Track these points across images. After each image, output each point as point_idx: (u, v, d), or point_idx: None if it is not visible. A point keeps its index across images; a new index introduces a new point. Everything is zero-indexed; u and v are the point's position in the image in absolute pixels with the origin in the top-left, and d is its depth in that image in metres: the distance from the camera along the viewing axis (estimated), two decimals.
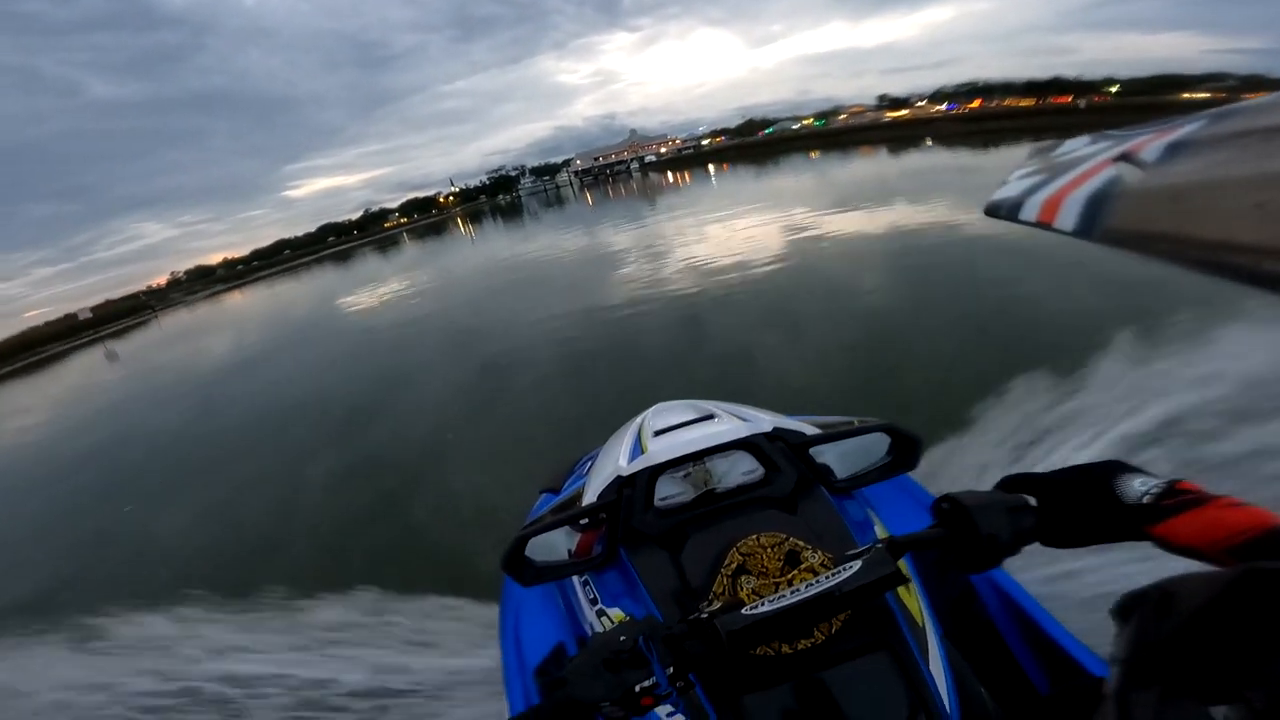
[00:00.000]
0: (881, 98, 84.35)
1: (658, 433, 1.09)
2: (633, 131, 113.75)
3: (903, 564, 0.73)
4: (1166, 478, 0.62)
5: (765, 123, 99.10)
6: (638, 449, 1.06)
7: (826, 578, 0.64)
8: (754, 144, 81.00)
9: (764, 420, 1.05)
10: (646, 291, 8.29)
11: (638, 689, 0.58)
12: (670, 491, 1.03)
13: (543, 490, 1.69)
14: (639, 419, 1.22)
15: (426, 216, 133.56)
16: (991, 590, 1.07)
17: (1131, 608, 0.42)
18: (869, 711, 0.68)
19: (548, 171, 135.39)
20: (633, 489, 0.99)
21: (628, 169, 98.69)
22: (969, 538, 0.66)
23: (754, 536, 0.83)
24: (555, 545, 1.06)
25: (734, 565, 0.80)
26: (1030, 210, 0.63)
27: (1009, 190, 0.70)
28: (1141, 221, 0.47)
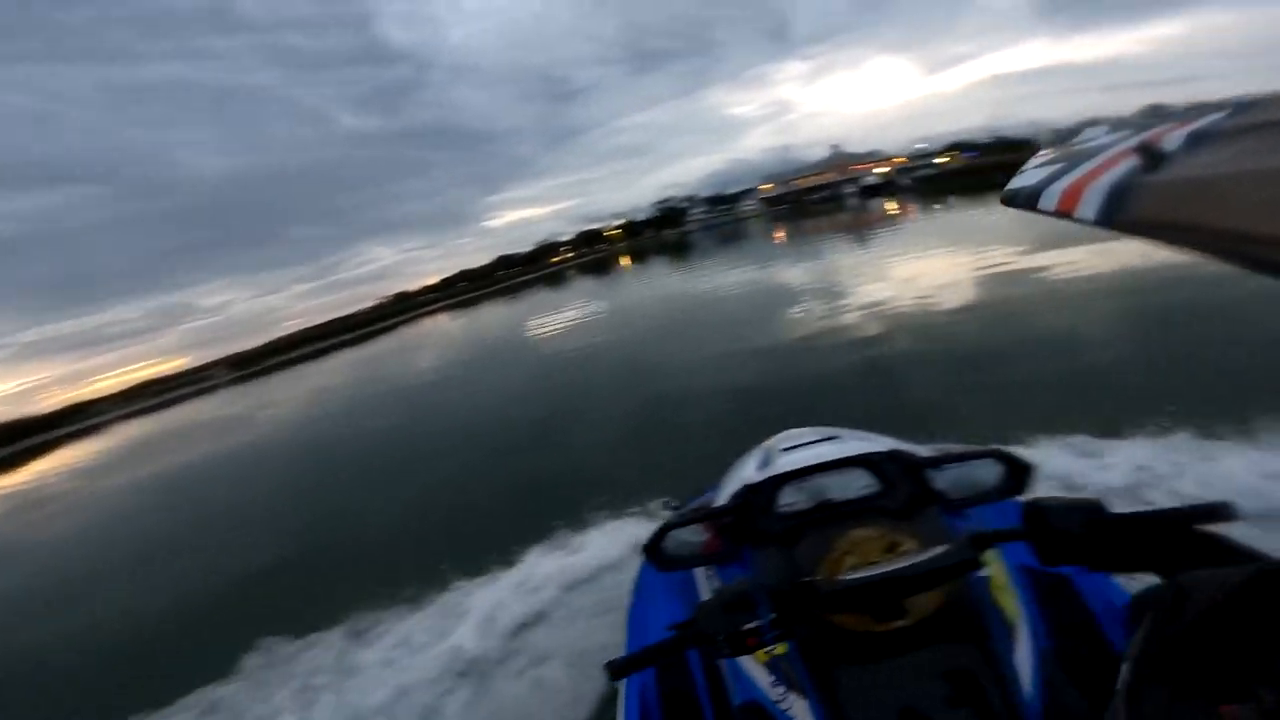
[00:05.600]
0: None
1: (784, 449, 1.28)
2: (834, 148, 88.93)
3: (998, 563, 0.91)
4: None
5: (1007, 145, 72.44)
6: (766, 463, 1.24)
7: (912, 556, 0.71)
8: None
9: (883, 442, 1.17)
10: None
11: (745, 628, 0.69)
12: (792, 499, 1.12)
13: (672, 509, 2.08)
14: (769, 440, 1.45)
15: (592, 251, 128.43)
16: (1107, 607, 1.08)
17: (1145, 605, 0.41)
18: (947, 697, 0.72)
19: (724, 202, 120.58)
20: (758, 495, 1.13)
21: (838, 194, 71.56)
22: (1045, 533, 0.71)
23: (861, 530, 0.93)
24: (688, 543, 1.20)
25: (841, 552, 0.89)
26: (1049, 200, 0.61)
27: (1026, 179, 0.68)
28: (1163, 211, 0.46)
